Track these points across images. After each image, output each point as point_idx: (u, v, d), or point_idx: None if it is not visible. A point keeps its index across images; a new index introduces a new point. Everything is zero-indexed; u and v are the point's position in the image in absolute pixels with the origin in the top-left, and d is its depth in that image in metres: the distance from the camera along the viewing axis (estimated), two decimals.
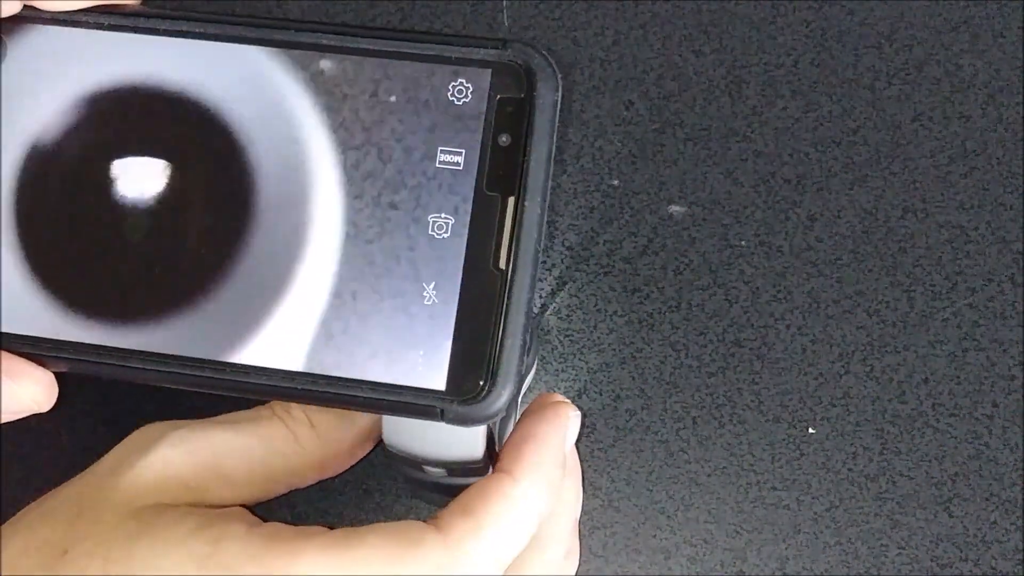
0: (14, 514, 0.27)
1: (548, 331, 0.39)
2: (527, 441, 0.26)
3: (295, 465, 0.28)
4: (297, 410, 0.28)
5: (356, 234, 0.25)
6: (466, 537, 0.24)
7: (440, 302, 0.25)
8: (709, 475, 0.38)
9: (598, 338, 0.39)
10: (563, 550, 0.29)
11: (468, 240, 0.25)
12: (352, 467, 0.38)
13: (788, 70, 0.40)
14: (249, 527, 0.24)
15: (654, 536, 0.37)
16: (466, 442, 0.27)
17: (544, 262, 0.39)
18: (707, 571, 0.37)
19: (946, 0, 0.40)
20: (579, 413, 0.28)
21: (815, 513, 0.37)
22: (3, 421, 0.26)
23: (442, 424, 0.27)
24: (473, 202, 0.25)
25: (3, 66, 0.27)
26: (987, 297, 0.39)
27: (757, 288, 0.39)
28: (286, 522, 0.25)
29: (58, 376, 0.27)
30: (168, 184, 0.26)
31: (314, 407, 0.28)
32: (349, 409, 0.27)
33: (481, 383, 0.24)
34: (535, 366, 0.38)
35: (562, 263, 0.39)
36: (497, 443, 0.29)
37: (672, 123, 0.40)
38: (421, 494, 0.34)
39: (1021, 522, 0.37)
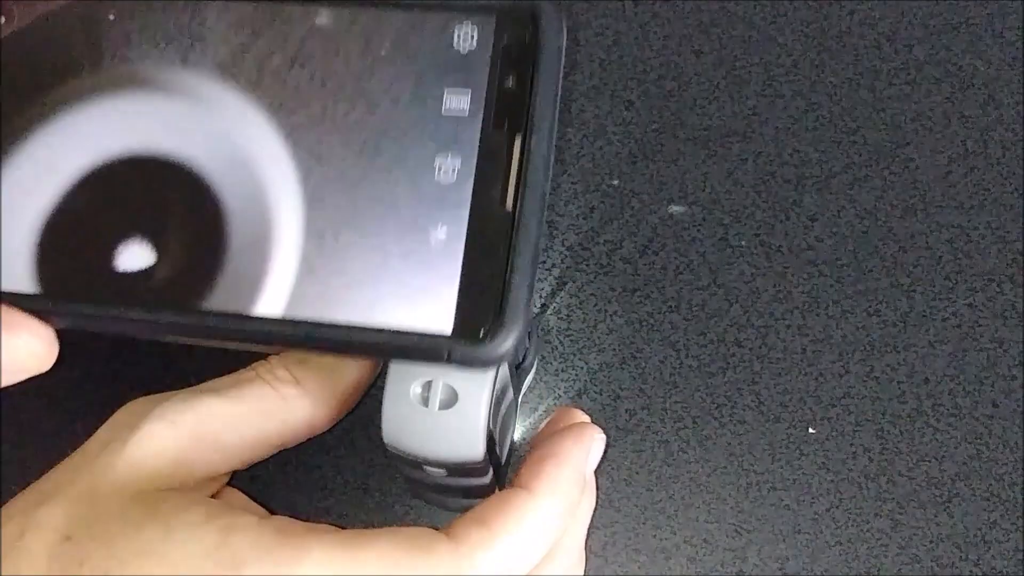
0: None
1: (548, 331, 0.39)
2: (548, 458, 0.26)
3: (284, 424, 0.27)
4: (281, 369, 0.28)
5: (362, 179, 0.25)
6: (478, 547, 0.24)
7: (447, 244, 0.25)
8: (709, 475, 0.38)
9: (598, 338, 0.38)
10: (571, 562, 0.28)
11: (475, 182, 0.25)
12: (352, 467, 0.38)
13: (788, 70, 0.40)
14: (259, 519, 0.24)
15: (654, 536, 0.37)
16: (466, 442, 0.27)
17: (544, 262, 0.39)
18: (707, 571, 0.37)
19: (946, 0, 0.40)
20: (604, 437, 0.28)
21: (815, 513, 0.37)
22: (3, 384, 0.25)
23: (442, 423, 0.26)
24: (479, 144, 0.25)
25: (4, 39, 0.27)
26: (987, 297, 0.38)
27: (757, 288, 0.39)
28: None
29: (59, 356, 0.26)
30: (168, 136, 0.26)
31: (297, 364, 0.28)
32: (357, 356, 0.27)
33: (489, 325, 0.24)
34: (535, 366, 0.38)
35: (562, 263, 0.39)
36: (497, 445, 0.29)
37: (672, 123, 0.40)
38: (421, 494, 0.34)
39: (1021, 522, 0.37)
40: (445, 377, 0.27)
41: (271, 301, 0.25)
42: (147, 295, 0.25)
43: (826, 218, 0.39)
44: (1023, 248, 0.39)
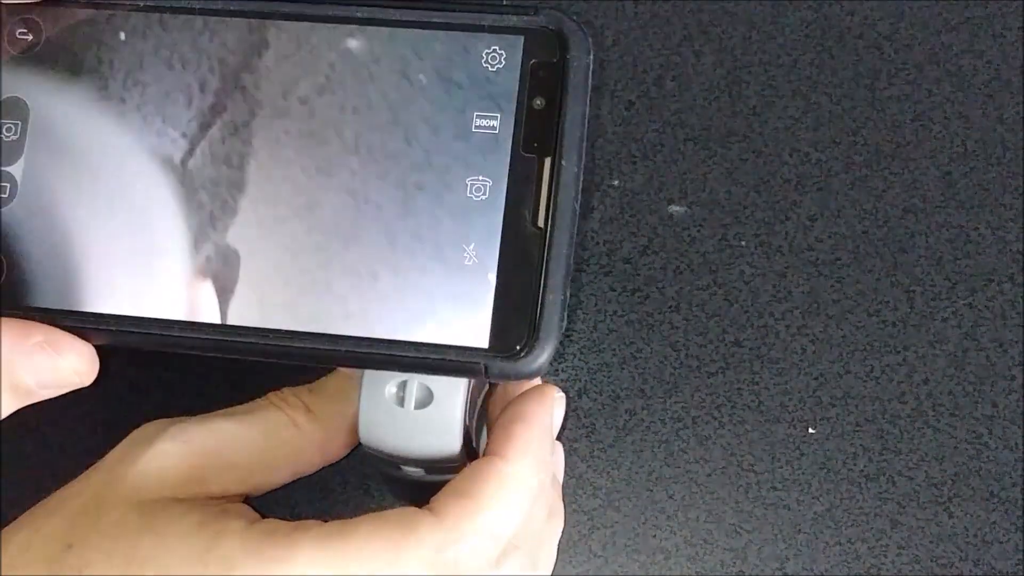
0: (15, 515, 0.27)
1: None
2: (515, 423, 0.27)
3: (296, 450, 0.28)
4: (293, 397, 0.28)
5: (397, 198, 0.26)
6: (462, 518, 0.25)
7: (480, 262, 0.25)
8: (709, 475, 0.38)
9: (598, 338, 0.39)
10: (545, 513, 0.29)
11: (506, 201, 0.26)
12: (352, 468, 0.38)
13: (788, 70, 0.40)
14: (248, 522, 0.25)
15: (654, 536, 0.37)
16: (443, 440, 0.27)
17: None
18: (707, 571, 0.37)
19: (946, 0, 0.40)
20: (563, 395, 0.29)
21: (815, 513, 0.37)
22: (46, 397, 0.26)
23: (419, 423, 0.27)
24: (510, 164, 0.26)
25: (39, 51, 0.27)
26: (987, 297, 0.39)
27: (757, 288, 0.39)
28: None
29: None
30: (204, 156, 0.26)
31: (309, 393, 0.28)
32: (394, 371, 0.28)
33: (524, 340, 0.25)
34: None
35: None
36: (474, 439, 0.29)
37: (672, 123, 0.40)
38: (399, 493, 0.34)
39: (1021, 522, 0.37)
40: (420, 377, 0.27)
41: (306, 317, 0.26)
42: (183, 311, 0.26)
43: (826, 218, 0.39)
44: (1023, 248, 0.39)
